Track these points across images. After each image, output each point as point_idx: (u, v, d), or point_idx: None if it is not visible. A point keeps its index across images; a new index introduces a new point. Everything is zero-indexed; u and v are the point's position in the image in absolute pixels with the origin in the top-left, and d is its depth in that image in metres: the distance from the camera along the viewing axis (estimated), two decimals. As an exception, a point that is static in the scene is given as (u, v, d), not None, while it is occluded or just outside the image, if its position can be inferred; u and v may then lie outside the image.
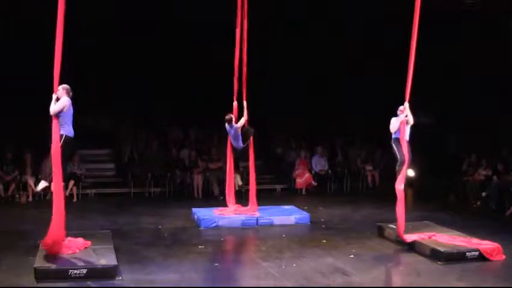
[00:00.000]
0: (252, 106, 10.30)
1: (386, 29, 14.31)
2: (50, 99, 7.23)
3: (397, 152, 8.69)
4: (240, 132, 10.05)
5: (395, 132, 8.73)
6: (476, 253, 7.86)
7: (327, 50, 14.94)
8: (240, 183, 13.16)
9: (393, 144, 8.77)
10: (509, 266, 7.69)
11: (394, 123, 8.72)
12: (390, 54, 14.49)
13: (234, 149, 10.51)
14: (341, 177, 14.84)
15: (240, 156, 11.74)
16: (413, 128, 8.78)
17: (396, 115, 8.80)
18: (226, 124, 10.11)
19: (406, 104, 8.54)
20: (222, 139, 14.54)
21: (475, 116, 13.60)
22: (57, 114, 7.28)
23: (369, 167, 14.98)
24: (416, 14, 8.29)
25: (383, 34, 14.55)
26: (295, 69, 15.30)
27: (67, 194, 12.77)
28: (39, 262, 6.95)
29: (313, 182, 14.21)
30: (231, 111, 10.24)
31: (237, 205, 10.69)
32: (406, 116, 8.55)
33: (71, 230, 8.41)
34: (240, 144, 10.16)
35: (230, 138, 10.30)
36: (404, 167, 8.52)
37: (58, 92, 7.32)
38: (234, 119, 10.06)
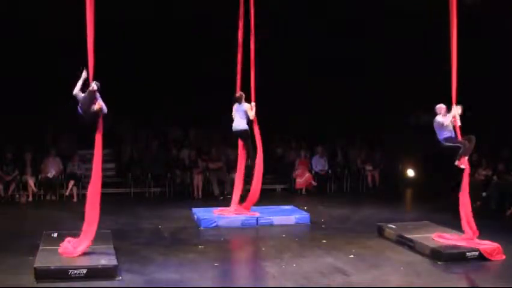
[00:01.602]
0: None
1: (386, 28, 14.34)
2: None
3: (457, 144, 8.35)
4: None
5: (443, 132, 8.41)
6: (476, 253, 7.85)
7: (327, 50, 14.95)
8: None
9: (448, 143, 8.43)
10: (509, 266, 7.68)
11: (445, 121, 8.36)
12: (390, 55, 14.55)
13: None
14: (341, 177, 14.84)
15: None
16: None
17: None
18: (235, 104, 10.11)
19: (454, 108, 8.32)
20: (222, 139, 14.59)
21: (475, 115, 13.60)
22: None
23: (369, 167, 14.98)
24: (453, 11, 8.14)
25: (382, 34, 14.56)
26: (296, 69, 15.30)
27: (67, 194, 12.81)
28: (39, 262, 6.94)
29: (313, 182, 14.21)
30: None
31: (238, 205, 10.67)
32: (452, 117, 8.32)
33: (71, 230, 8.41)
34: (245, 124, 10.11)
35: (236, 120, 10.15)
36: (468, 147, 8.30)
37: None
38: (243, 97, 10.05)
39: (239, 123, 10.10)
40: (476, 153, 13.14)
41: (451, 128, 8.44)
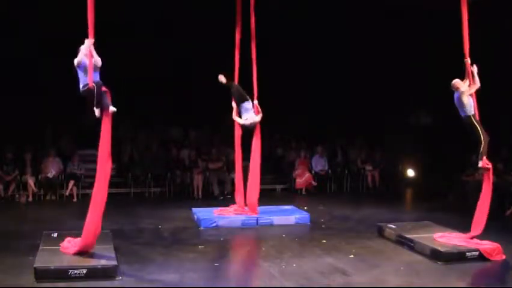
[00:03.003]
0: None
1: (386, 28, 14.33)
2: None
3: (479, 130, 8.06)
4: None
5: (468, 108, 8.07)
6: (476, 253, 7.85)
7: (327, 50, 14.95)
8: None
9: (475, 122, 8.10)
10: (509, 266, 7.69)
11: (467, 97, 8.02)
12: (390, 55, 14.54)
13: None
14: (341, 177, 14.84)
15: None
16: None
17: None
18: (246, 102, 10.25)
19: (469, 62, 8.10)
20: (222, 139, 14.59)
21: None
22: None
23: (369, 167, 14.98)
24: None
25: (382, 34, 14.55)
26: (296, 69, 15.29)
27: (67, 194, 12.81)
28: (39, 262, 6.94)
29: (313, 182, 14.21)
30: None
31: (237, 205, 10.67)
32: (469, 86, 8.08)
33: (71, 230, 8.41)
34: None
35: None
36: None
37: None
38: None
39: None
40: (475, 154, 13.17)
41: (472, 105, 8.13)
